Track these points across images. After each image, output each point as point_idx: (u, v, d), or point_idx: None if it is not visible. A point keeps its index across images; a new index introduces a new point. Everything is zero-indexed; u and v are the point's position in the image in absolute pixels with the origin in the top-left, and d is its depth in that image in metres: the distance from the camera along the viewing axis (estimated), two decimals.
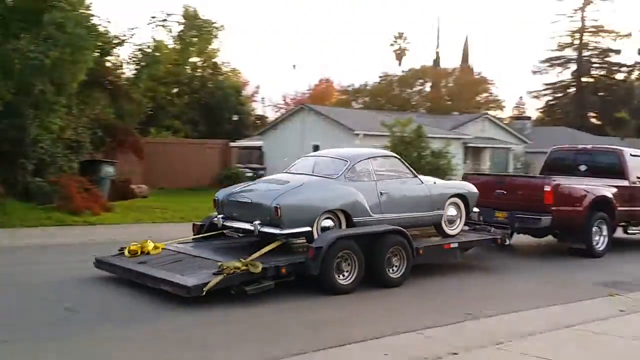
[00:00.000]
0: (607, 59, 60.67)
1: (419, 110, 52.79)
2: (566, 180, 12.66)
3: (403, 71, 61.36)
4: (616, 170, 13.44)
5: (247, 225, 8.79)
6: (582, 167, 13.93)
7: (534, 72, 63.80)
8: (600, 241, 12.59)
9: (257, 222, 8.49)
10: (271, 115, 56.49)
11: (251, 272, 7.68)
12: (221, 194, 9.60)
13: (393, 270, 8.97)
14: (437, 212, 10.19)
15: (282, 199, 8.45)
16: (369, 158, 9.78)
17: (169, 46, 38.10)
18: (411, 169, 10.40)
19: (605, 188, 12.78)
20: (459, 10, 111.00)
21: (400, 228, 9.14)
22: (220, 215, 9.37)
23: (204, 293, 7.30)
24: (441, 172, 21.98)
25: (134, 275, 8.28)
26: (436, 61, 64.00)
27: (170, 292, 7.50)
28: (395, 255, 8.99)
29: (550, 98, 64.13)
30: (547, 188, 11.83)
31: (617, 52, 59.87)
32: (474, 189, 10.97)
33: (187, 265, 8.25)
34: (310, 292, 8.34)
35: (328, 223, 8.79)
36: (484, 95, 60.49)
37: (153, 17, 29.58)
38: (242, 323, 7.06)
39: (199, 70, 40.80)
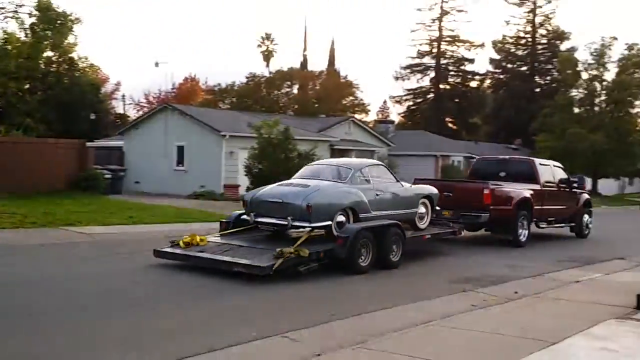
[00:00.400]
0: (462, 67, 64.40)
1: (287, 112, 53.10)
2: (497, 184, 15.61)
3: (270, 72, 61.48)
4: (529, 176, 16.68)
5: (279, 221, 10.82)
6: (502, 174, 17.03)
7: (396, 78, 66.31)
8: (523, 234, 15.73)
9: (290, 217, 10.57)
10: (133, 114, 54.56)
11: (301, 256, 9.74)
12: (248, 196, 11.75)
13: (393, 255, 11.26)
14: (413, 209, 12.87)
15: (311, 198, 10.55)
16: (367, 166, 12.36)
17: (21, 39, 35.66)
18: (394, 174, 12.91)
19: (525, 191, 15.83)
20: (325, 13, 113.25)
21: (397, 222, 11.55)
22: (253, 213, 11.22)
23: (272, 272, 9.31)
24: None
25: (206, 262, 10.01)
26: (304, 63, 64.75)
27: (244, 272, 9.41)
28: (394, 243, 11.29)
29: (411, 103, 67.04)
30: (486, 191, 14.84)
31: (472, 61, 63.81)
32: (436, 191, 13.67)
33: (241, 252, 10.13)
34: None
35: (341, 218, 10.94)
36: (350, 98, 61.96)
37: (2, 8, 27.44)
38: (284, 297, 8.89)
39: (53, 66, 38.43)
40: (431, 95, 65.41)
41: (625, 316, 7.91)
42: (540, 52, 61.90)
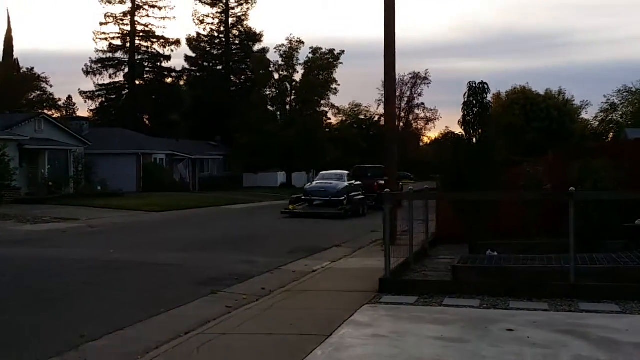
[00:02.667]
0: (158, 63, 63.14)
1: None
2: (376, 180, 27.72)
3: None
4: (381, 175, 22.55)
5: (324, 198, 26.32)
6: (369, 174, 31.27)
7: (87, 73, 62.27)
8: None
9: (330, 196, 26.31)
10: None
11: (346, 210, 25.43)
12: (307, 189, 28.04)
13: (363, 211, 26.70)
14: (360, 195, 27.75)
15: (338, 188, 26.64)
16: (346, 173, 29.31)
17: None
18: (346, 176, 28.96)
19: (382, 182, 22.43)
20: None
21: (364, 196, 28.11)
22: (309, 197, 26.88)
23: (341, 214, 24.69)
24: None
25: (311, 214, 24.92)
26: None
27: (329, 216, 24.62)
28: (362, 205, 27.10)
29: (104, 99, 63.70)
30: (375, 183, 28.36)
31: (168, 58, 62.87)
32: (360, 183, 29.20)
33: (321, 210, 25.47)
34: None
35: (345, 196, 26.06)
36: (37, 93, 56.45)
37: None
38: None
39: None
40: (126, 91, 62.99)
41: (374, 301, 8.25)
42: (234, 52, 63.79)
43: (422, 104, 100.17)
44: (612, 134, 66.10)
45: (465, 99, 11.69)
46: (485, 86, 11.68)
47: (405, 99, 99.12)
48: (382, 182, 20.84)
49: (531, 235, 11.35)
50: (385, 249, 9.13)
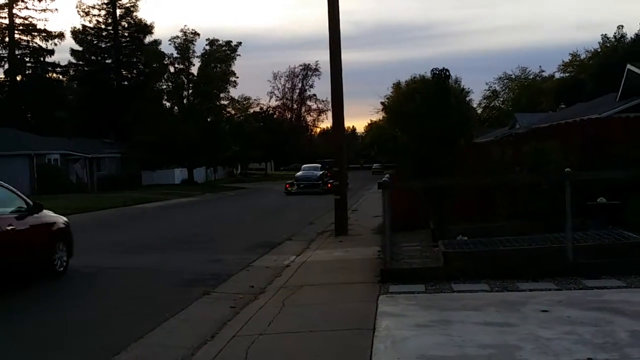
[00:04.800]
0: (41, 58, 59.39)
1: None
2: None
3: None
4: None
5: (311, 183, 39.83)
6: (327, 166, 38.57)
7: None
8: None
9: (314, 181, 39.79)
10: None
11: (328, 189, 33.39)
12: (298, 175, 41.83)
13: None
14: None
15: (317, 175, 40.86)
16: (319, 166, 44.04)
17: None
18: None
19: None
20: None
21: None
22: (297, 182, 40.30)
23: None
24: None
25: (304, 192, 38.48)
26: None
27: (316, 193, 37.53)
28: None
29: None
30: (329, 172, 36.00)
31: (51, 52, 59.26)
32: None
33: (308, 189, 39.18)
34: None
35: (321, 180, 39.42)
36: None
37: None
38: None
39: None
40: (7, 88, 58.80)
41: (384, 291, 8.13)
42: (124, 44, 61.13)
43: (314, 95, 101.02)
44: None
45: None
46: (447, 73, 11.85)
47: (297, 91, 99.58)
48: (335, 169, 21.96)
49: (501, 217, 11.67)
50: (384, 239, 9.04)
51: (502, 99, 78.15)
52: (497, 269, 8.56)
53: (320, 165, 44.30)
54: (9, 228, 9.18)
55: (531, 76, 74.21)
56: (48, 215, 10.71)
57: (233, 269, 10.92)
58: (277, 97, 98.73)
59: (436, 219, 12.13)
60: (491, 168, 11.85)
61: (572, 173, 8.70)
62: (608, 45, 54.74)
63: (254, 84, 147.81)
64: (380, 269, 8.91)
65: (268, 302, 8.02)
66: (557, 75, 67.61)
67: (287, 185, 40.63)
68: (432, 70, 11.80)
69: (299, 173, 42.95)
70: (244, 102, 71.99)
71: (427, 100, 12.62)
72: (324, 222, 18.60)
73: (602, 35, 57.17)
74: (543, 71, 73.23)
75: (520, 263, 8.71)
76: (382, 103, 57.81)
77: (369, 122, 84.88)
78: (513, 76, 75.50)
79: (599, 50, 56.66)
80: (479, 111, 74.01)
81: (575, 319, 6.33)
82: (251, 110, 74.15)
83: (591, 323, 6.14)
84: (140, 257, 12.69)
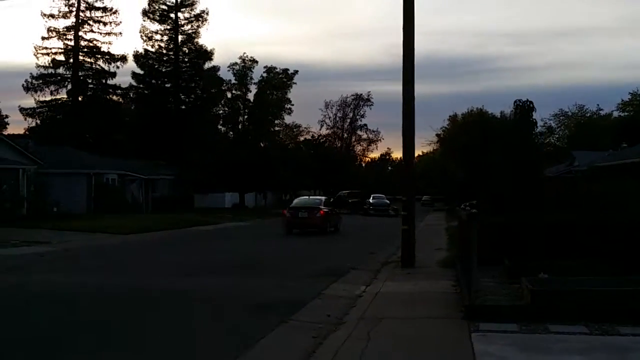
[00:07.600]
0: (103, 80, 61.00)
1: None
2: None
3: None
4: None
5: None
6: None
7: (27, 89, 59.57)
8: None
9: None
10: None
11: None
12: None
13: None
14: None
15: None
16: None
17: None
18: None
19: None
20: None
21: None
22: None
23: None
24: None
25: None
26: None
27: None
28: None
29: (46, 117, 60.98)
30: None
31: (113, 74, 60.82)
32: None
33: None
34: None
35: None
36: None
37: None
38: None
39: None
40: (69, 109, 60.45)
41: (474, 329, 7.73)
42: (184, 69, 62.22)
43: (365, 125, 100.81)
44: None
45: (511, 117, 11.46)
46: (531, 105, 11.48)
47: (348, 120, 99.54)
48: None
49: (578, 255, 11.11)
50: (461, 273, 8.65)
51: (557, 136, 76.55)
52: (591, 310, 8.07)
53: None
54: None
55: (588, 114, 72.55)
56: None
57: (303, 297, 10.62)
58: (328, 125, 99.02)
59: (513, 255, 11.65)
60: (578, 203, 11.33)
61: None
62: None
63: (303, 112, 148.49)
64: (465, 304, 8.51)
65: (352, 334, 7.70)
66: (616, 114, 65.99)
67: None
68: (515, 101, 11.45)
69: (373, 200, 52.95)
70: (294, 130, 72.33)
71: (504, 133, 12.29)
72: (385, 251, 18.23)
73: None
74: (601, 109, 71.48)
75: (616, 305, 8.20)
76: (437, 135, 57.23)
77: (420, 153, 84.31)
78: (570, 113, 73.97)
79: None
80: None
81: None
82: (301, 138, 74.45)
83: None
84: (206, 279, 12.65)
